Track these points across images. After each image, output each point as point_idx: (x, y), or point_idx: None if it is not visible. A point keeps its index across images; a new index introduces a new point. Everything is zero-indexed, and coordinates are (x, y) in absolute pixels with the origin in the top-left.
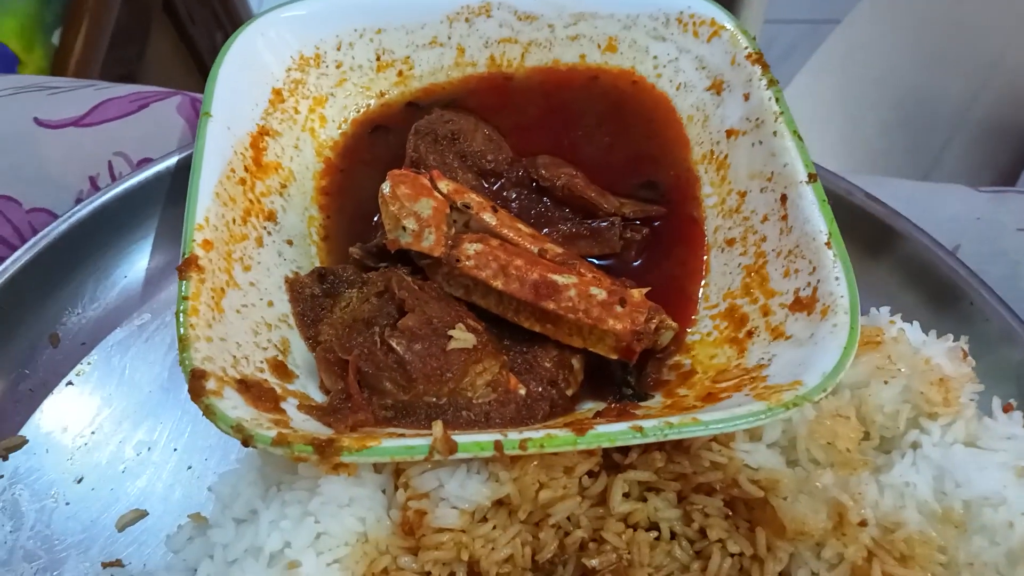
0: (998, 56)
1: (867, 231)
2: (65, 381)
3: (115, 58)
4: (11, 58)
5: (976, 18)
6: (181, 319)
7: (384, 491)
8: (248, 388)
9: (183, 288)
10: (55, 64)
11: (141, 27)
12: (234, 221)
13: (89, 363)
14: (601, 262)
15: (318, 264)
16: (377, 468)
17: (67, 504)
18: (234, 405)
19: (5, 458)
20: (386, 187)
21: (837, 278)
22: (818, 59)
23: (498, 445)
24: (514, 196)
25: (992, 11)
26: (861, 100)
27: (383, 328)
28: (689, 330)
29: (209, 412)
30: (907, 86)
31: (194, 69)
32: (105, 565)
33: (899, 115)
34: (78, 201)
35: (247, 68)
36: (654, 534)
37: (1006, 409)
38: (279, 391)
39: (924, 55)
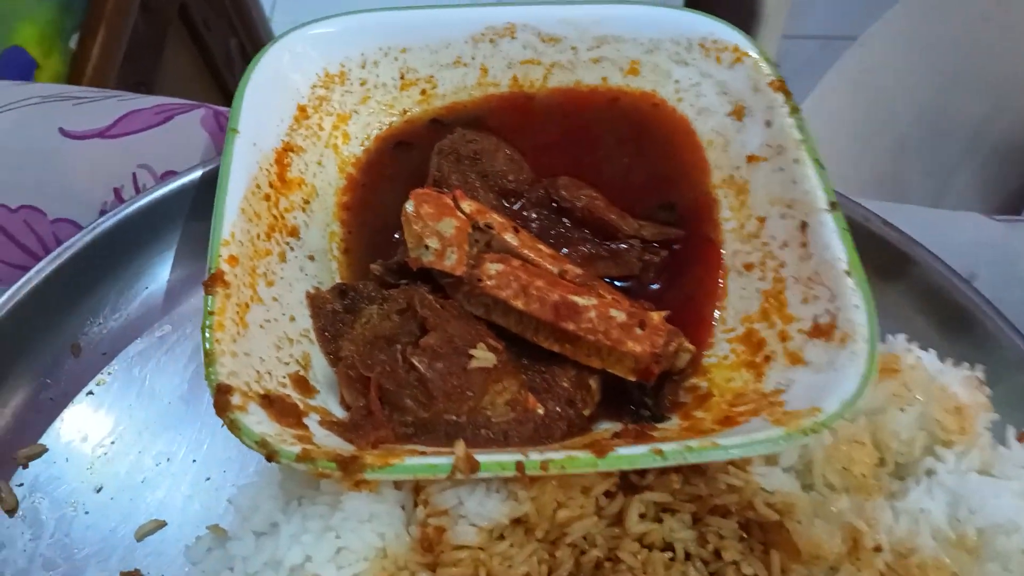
0: (1015, 79)
1: (883, 257)
2: (86, 391)
3: (132, 64)
4: (30, 63)
5: (993, 39)
6: (207, 334)
7: (403, 507)
8: (271, 403)
9: (209, 303)
10: (72, 70)
11: (158, 33)
12: (258, 237)
13: (110, 373)
14: (619, 283)
15: (338, 279)
16: (397, 484)
17: (86, 513)
18: (258, 420)
19: (25, 466)
20: (409, 206)
21: (857, 306)
22: (833, 77)
23: (520, 466)
24: (534, 216)
25: (1009, 33)
26: (874, 119)
27: (405, 346)
28: (705, 353)
29: (234, 427)
30: (921, 106)
31: (207, 75)
32: (124, 575)
33: (912, 135)
34: (102, 213)
35: (273, 84)
36: (669, 555)
37: (1020, 438)
38: (301, 406)
39: (940, 76)
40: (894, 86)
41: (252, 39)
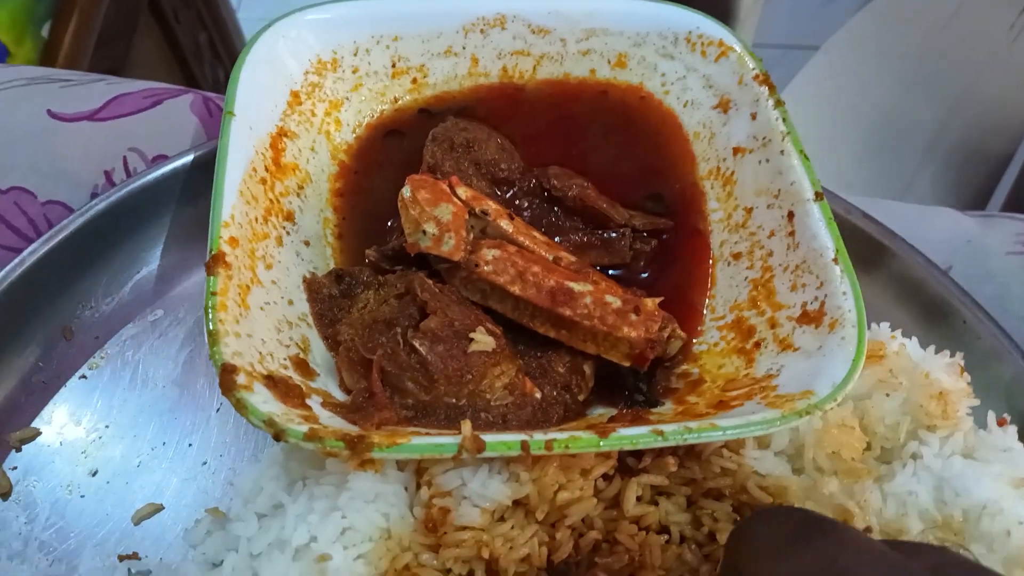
0: (970, 86)
1: (864, 249)
2: (78, 374)
3: (103, 53)
4: (1, 50)
5: (949, 50)
6: (210, 315)
7: (406, 488)
8: (275, 384)
9: (211, 284)
10: (44, 57)
11: (128, 24)
12: (256, 220)
13: (103, 357)
14: (610, 271)
15: (333, 264)
16: (400, 466)
17: (82, 497)
18: (264, 400)
19: (18, 449)
20: (406, 191)
21: (844, 293)
22: (797, 84)
23: (525, 445)
24: (526, 205)
25: (964, 44)
26: (838, 124)
27: (405, 329)
28: (696, 340)
29: (240, 406)
30: (882, 112)
31: (177, 68)
32: (121, 558)
33: (874, 140)
34: (93, 195)
35: (267, 69)
36: (665, 537)
37: (1000, 423)
38: (304, 388)
39: (899, 83)
40: (856, 92)
41: (221, 33)
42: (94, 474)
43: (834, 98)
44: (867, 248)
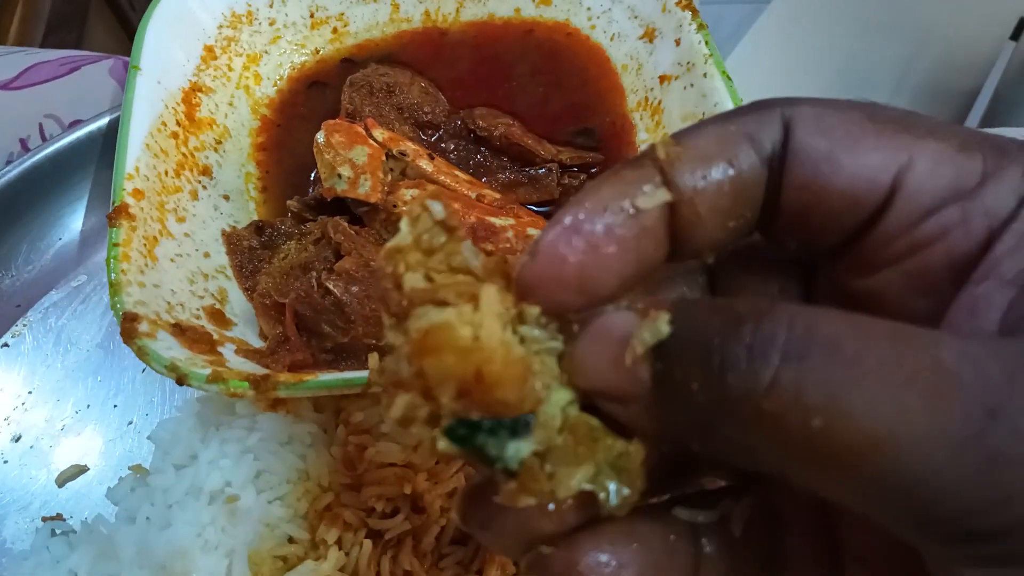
0: (931, 25)
1: None
2: (0, 343)
3: (53, 42)
4: None
5: None
6: (112, 264)
7: (325, 431)
8: (183, 331)
9: (113, 235)
10: None
11: (78, 11)
12: (166, 173)
13: (25, 325)
14: (540, 208)
15: (256, 218)
16: (317, 407)
17: (5, 463)
18: (168, 346)
19: None
20: (320, 136)
21: None
22: (757, 31)
23: None
24: (452, 147)
25: None
26: (801, 69)
27: (320, 272)
28: None
29: (142, 353)
30: (845, 54)
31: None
32: (45, 519)
33: (839, 83)
34: (8, 163)
35: (177, 24)
36: None
37: None
38: (216, 336)
39: (862, 24)
40: (817, 35)
41: None
42: (17, 439)
43: (795, 43)
44: None
